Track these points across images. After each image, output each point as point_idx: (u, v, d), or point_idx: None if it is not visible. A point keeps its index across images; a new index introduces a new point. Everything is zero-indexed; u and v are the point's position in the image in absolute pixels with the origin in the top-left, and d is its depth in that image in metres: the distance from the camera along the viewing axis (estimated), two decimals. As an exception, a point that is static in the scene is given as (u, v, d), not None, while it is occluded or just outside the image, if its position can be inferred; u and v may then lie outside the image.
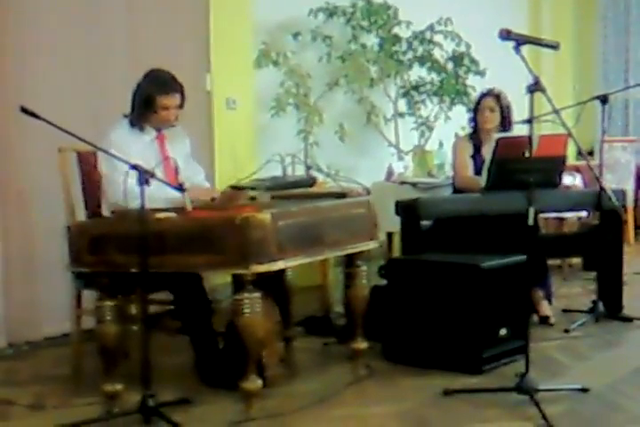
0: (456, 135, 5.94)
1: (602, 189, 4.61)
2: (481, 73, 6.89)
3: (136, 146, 4.00)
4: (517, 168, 4.09)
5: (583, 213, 6.50)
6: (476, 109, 5.23)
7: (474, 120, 5.25)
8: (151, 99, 4.00)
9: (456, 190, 5.26)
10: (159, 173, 3.67)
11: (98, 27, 4.92)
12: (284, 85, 5.92)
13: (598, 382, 3.84)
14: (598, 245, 5.06)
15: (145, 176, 3.31)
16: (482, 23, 6.91)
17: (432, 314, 4.17)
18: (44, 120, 3.28)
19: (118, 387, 3.56)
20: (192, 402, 3.66)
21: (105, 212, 4.04)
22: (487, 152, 4.99)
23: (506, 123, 5.17)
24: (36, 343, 4.70)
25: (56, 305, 4.52)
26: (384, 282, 4.48)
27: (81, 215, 4.15)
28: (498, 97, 5.14)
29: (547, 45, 3.81)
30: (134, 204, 3.74)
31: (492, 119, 5.13)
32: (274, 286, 3.98)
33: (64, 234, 3.66)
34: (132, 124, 4.07)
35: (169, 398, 3.59)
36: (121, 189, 3.78)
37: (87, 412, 3.54)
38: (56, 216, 4.24)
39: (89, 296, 3.92)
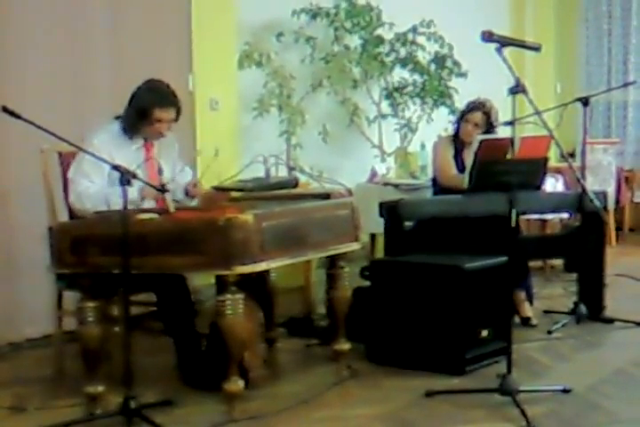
0: (438, 137, 5.96)
1: (583, 190, 4.62)
2: (463, 75, 6.90)
3: (120, 151, 3.98)
4: (499, 170, 4.10)
5: (565, 215, 6.53)
6: (461, 118, 5.20)
7: (457, 125, 5.24)
8: (148, 111, 3.98)
9: (437, 191, 5.27)
10: (141, 173, 3.67)
11: (81, 27, 4.90)
12: (267, 86, 5.91)
13: (580, 383, 3.86)
14: (580, 246, 5.08)
15: (126, 177, 3.30)
16: (464, 25, 6.92)
17: (415, 315, 4.18)
18: (25, 120, 3.27)
19: (100, 389, 3.55)
20: (174, 404, 3.65)
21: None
22: (467, 155, 5.00)
23: (488, 129, 5.15)
24: (17, 345, 4.67)
25: (38, 306, 4.49)
26: (367, 283, 4.49)
27: (63, 216, 4.13)
28: (487, 114, 5.08)
29: (529, 47, 3.83)
30: (88, 205, 3.78)
31: (473, 134, 5.06)
32: (257, 287, 3.98)
33: (46, 235, 3.64)
34: (124, 130, 4.05)
35: (151, 400, 3.59)
36: (77, 191, 3.83)
37: (69, 414, 3.54)
38: (38, 217, 4.22)
39: (71, 297, 3.91)
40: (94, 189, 3.89)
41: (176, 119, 4.09)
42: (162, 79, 4.11)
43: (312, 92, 6.32)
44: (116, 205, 3.71)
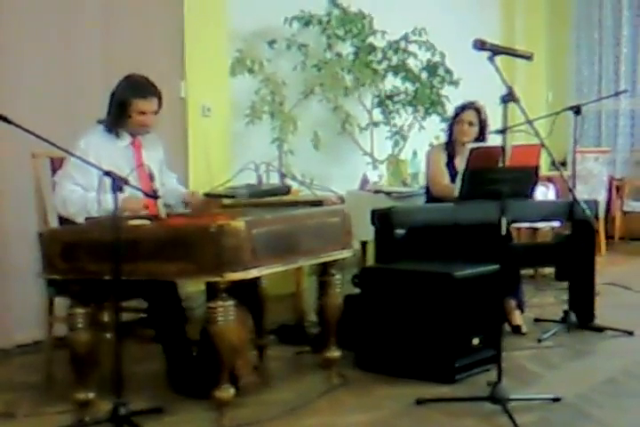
0: (430, 145, 5.97)
1: (574, 199, 4.64)
2: (455, 83, 6.92)
3: (108, 152, 3.99)
4: (490, 178, 4.11)
5: (556, 224, 6.54)
6: (454, 120, 5.24)
7: (450, 130, 5.27)
8: (127, 103, 4.00)
9: (429, 199, 5.28)
10: (133, 179, 3.66)
11: (73, 32, 4.90)
12: (259, 93, 5.91)
13: (570, 392, 3.86)
14: (571, 255, 5.09)
15: (118, 183, 3.30)
16: (456, 33, 6.95)
17: (405, 323, 4.18)
18: (16, 125, 3.26)
19: (90, 395, 3.54)
20: (164, 411, 3.64)
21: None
22: (460, 162, 5.01)
23: (480, 135, 5.18)
24: (7, 351, 4.66)
25: (28, 312, 4.49)
26: (358, 291, 4.49)
27: (54, 222, 4.12)
28: (479, 111, 5.16)
29: (520, 56, 3.84)
30: (72, 210, 3.82)
31: (469, 133, 5.14)
32: (248, 294, 3.97)
33: (36, 240, 3.63)
34: (108, 129, 4.06)
35: (141, 407, 3.57)
36: (61, 195, 3.83)
37: (58, 420, 3.53)
38: (28, 222, 4.21)
39: (61, 303, 3.90)
40: (78, 195, 3.90)
41: (158, 110, 4.10)
42: (141, 74, 4.12)
43: (304, 99, 6.32)
44: (95, 211, 3.77)
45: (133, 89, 4.03)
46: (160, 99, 4.08)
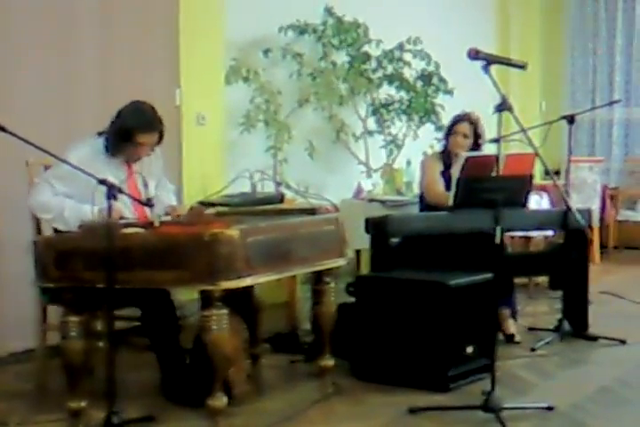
0: (424, 154, 5.97)
1: (568, 208, 4.65)
2: (449, 92, 6.93)
3: (98, 167, 3.94)
4: (484, 187, 4.12)
5: (549, 233, 6.55)
6: (449, 131, 5.23)
7: (446, 140, 5.26)
8: (130, 133, 3.96)
9: (423, 208, 5.28)
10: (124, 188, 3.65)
11: (70, 42, 4.90)
12: (254, 102, 5.92)
13: (563, 401, 3.86)
14: (564, 264, 5.10)
15: (113, 191, 3.30)
16: (451, 42, 6.96)
17: (399, 332, 4.18)
18: (10, 133, 3.26)
19: (83, 404, 3.53)
20: (157, 420, 3.63)
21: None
22: (456, 171, 5.02)
23: (475, 146, 5.17)
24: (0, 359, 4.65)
25: (21, 320, 4.47)
26: (352, 299, 4.48)
27: (48, 230, 4.12)
28: (474, 124, 5.14)
29: (515, 65, 3.84)
30: (49, 216, 3.89)
31: (463, 144, 5.12)
32: (241, 302, 3.97)
33: (30, 248, 3.63)
34: (106, 148, 4.03)
35: (134, 416, 3.56)
36: (38, 199, 3.82)
37: (51, 429, 3.52)
38: (22, 230, 4.20)
39: (54, 312, 3.89)
40: (57, 201, 3.89)
41: (158, 142, 4.09)
42: (147, 101, 4.08)
43: (299, 107, 6.33)
44: (73, 220, 3.78)
45: (139, 120, 3.98)
46: (162, 133, 4.06)
